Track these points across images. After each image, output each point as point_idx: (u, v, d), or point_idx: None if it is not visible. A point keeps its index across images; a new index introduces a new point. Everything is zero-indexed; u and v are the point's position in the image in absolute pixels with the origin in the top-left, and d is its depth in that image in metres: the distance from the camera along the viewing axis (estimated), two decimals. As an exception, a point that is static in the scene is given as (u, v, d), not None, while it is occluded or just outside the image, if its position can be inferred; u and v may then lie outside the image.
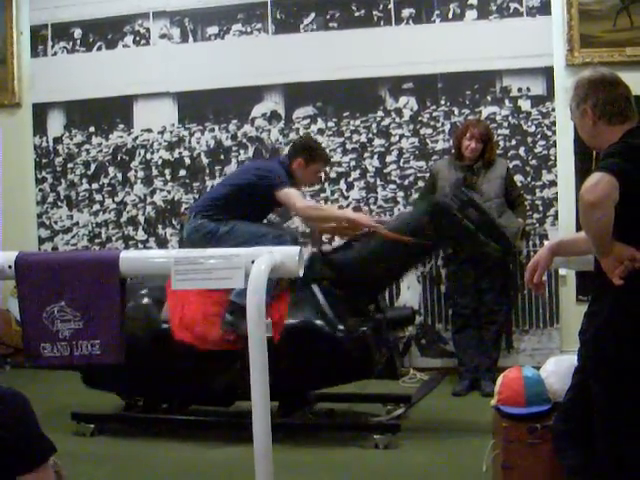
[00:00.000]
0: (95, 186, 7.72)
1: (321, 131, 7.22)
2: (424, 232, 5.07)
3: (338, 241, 5.86)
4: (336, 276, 5.17)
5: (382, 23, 7.10)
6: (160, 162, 7.57)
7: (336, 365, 5.12)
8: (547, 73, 6.80)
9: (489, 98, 6.93)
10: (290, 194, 5.21)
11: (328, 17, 7.20)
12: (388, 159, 7.11)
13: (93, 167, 7.73)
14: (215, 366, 5.12)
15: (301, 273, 2.79)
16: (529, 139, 6.85)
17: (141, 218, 7.62)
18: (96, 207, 7.72)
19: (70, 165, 7.77)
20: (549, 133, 6.80)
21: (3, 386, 2.35)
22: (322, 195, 7.14)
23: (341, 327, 5.06)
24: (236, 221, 5.25)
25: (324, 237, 5.81)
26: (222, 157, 7.43)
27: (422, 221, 5.11)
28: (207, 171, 7.47)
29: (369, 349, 5.09)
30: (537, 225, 6.81)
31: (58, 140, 7.80)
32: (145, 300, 5.31)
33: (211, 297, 5.10)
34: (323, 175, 6.59)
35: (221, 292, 5.03)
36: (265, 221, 5.65)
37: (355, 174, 7.16)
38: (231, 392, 5.22)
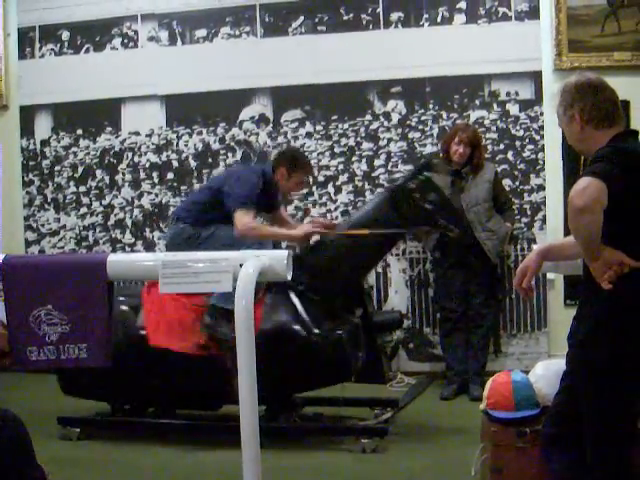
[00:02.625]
0: (82, 189, 7.70)
1: (309, 134, 7.21)
2: (388, 219, 5.10)
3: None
4: (309, 280, 5.17)
5: (371, 27, 7.10)
6: (148, 165, 7.55)
7: (312, 369, 5.13)
8: (535, 77, 6.81)
9: (477, 102, 6.94)
10: (239, 216, 5.19)
11: (317, 20, 7.20)
12: (376, 163, 7.11)
13: (80, 170, 7.70)
14: (194, 371, 5.12)
15: (289, 277, 2.78)
16: (517, 143, 6.87)
17: (129, 221, 7.60)
18: (83, 210, 7.70)
19: (57, 168, 7.74)
20: (537, 137, 6.82)
21: (0, 408, 2.32)
22: (310, 199, 7.14)
23: (316, 331, 5.07)
24: (217, 225, 5.28)
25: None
26: (210, 160, 7.42)
27: (384, 209, 5.14)
28: (195, 174, 7.45)
29: (345, 352, 5.09)
30: (525, 229, 6.82)
31: (45, 142, 7.77)
32: (123, 307, 5.30)
33: (186, 303, 5.12)
34: (311, 179, 6.59)
35: (198, 297, 5.04)
36: None
37: (343, 178, 7.16)
38: (216, 396, 5.22)
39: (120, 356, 5.04)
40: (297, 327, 5.09)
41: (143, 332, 5.19)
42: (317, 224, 5.36)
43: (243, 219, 5.18)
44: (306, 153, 6.97)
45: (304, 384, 5.28)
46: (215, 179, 5.95)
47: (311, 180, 6.90)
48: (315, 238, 5.39)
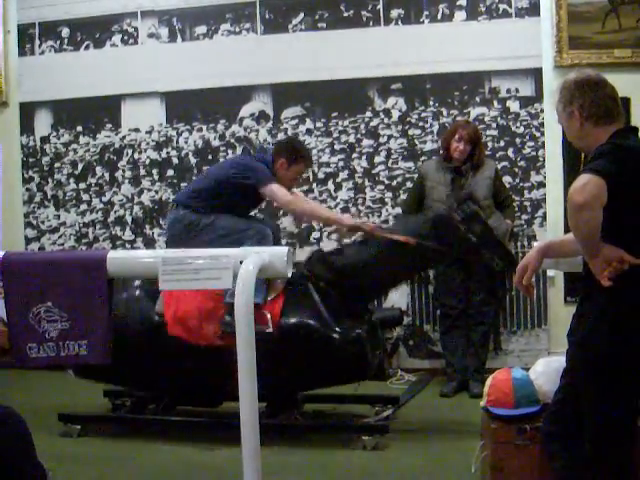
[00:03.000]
0: (82, 186, 7.69)
1: (309, 131, 7.21)
2: (425, 240, 5.04)
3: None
4: (335, 278, 5.15)
5: (371, 24, 7.09)
6: (148, 162, 7.55)
7: (331, 366, 5.11)
8: (536, 74, 6.80)
9: (478, 99, 6.93)
10: (277, 191, 5.22)
11: (317, 17, 7.19)
12: (376, 160, 7.10)
13: (80, 167, 7.70)
14: (207, 362, 5.10)
15: (290, 274, 2.78)
16: (518, 140, 6.86)
17: (128, 218, 7.59)
18: (83, 207, 7.69)
19: (57, 165, 7.74)
20: (538, 134, 6.81)
21: (1, 406, 2.32)
22: (310, 196, 7.12)
23: (337, 328, 5.05)
24: (218, 214, 5.26)
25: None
26: (210, 157, 7.41)
27: (424, 230, 5.08)
28: (195, 171, 7.44)
29: (364, 351, 5.07)
30: (525, 226, 6.82)
31: (45, 139, 7.77)
32: (138, 292, 5.30)
33: (206, 292, 5.09)
34: (311, 175, 6.60)
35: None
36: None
37: (343, 175, 7.15)
38: (219, 392, 5.22)
39: (135, 341, 5.11)
40: (317, 324, 5.07)
41: (159, 319, 5.18)
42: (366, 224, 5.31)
43: (282, 192, 5.21)
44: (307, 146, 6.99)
45: (320, 381, 5.26)
46: (217, 168, 5.93)
47: (311, 177, 6.91)
48: (358, 234, 5.35)
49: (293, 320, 5.07)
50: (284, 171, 5.37)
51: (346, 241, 5.52)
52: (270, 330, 4.91)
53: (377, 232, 5.20)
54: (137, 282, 5.36)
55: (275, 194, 5.25)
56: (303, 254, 6.24)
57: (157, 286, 5.15)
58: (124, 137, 7.60)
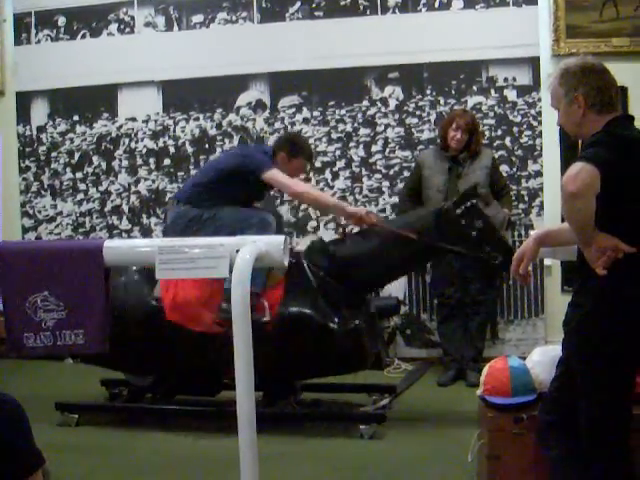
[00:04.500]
0: (79, 175, 7.69)
1: (306, 120, 7.20)
2: (427, 235, 5.05)
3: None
4: (335, 269, 5.15)
5: (368, 12, 7.08)
6: (144, 151, 7.54)
7: (329, 357, 5.11)
8: (533, 63, 6.81)
9: (475, 88, 6.93)
10: (278, 175, 5.19)
11: (314, 6, 7.17)
12: (373, 149, 7.10)
13: (77, 156, 7.69)
14: (204, 349, 5.10)
15: (286, 263, 2.78)
16: (515, 129, 6.86)
17: (125, 207, 7.59)
18: (80, 196, 7.69)
19: (54, 154, 7.73)
20: (535, 123, 6.81)
21: None
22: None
23: (335, 319, 5.05)
24: (219, 207, 5.23)
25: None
26: (207, 146, 7.41)
27: (425, 224, 5.09)
28: (192, 160, 7.44)
29: (362, 342, 5.08)
30: (523, 215, 6.82)
31: (42, 129, 7.76)
32: (137, 276, 5.28)
33: (205, 279, 5.08)
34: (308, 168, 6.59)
35: None
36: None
37: (340, 164, 7.15)
38: (216, 380, 5.23)
39: (132, 325, 5.10)
40: (315, 314, 5.06)
41: (156, 303, 5.17)
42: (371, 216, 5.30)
43: (283, 177, 5.18)
44: (308, 140, 6.98)
45: (317, 371, 5.27)
46: (216, 161, 5.91)
47: (308, 166, 6.89)
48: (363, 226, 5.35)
49: (292, 309, 5.07)
50: (284, 165, 5.33)
51: (341, 231, 5.49)
52: (267, 319, 4.90)
53: (379, 225, 5.20)
54: (135, 267, 5.34)
55: (276, 178, 5.19)
56: (300, 243, 6.23)
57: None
58: (121, 126, 7.58)
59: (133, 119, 7.55)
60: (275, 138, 6.44)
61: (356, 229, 5.39)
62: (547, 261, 6.62)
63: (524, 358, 3.91)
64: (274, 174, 5.19)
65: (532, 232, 3.51)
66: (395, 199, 6.92)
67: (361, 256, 5.15)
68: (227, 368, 4.91)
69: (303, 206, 6.94)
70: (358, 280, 5.16)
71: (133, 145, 7.56)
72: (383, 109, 7.09)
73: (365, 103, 7.12)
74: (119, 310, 4.90)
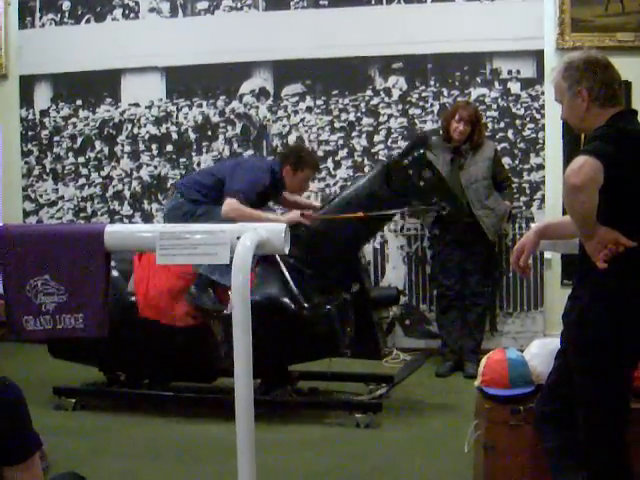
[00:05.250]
0: (81, 160, 7.68)
1: (309, 109, 7.19)
2: (381, 195, 5.15)
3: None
4: (302, 253, 5.17)
5: (373, 2, 7.06)
6: (147, 137, 7.53)
7: (300, 342, 5.16)
8: (537, 56, 6.79)
9: (479, 80, 6.92)
10: (227, 202, 5.22)
11: (319, -6, 7.16)
12: (376, 138, 7.10)
13: (79, 141, 7.69)
14: (185, 342, 5.14)
15: (287, 250, 2.78)
16: (518, 122, 6.85)
17: (127, 193, 7.59)
18: (82, 181, 7.69)
19: (56, 138, 7.73)
20: (538, 116, 6.81)
21: None
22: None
23: (306, 304, 5.08)
24: (214, 206, 5.28)
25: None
26: (209, 133, 7.40)
27: (377, 183, 5.18)
28: (194, 147, 7.44)
29: (333, 327, 5.10)
30: (524, 208, 6.82)
31: (45, 113, 7.75)
32: (113, 273, 5.29)
33: (177, 271, 5.14)
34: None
35: (187, 266, 5.07)
36: None
37: (342, 153, 7.15)
38: (209, 368, 5.26)
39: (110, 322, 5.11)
40: (286, 300, 5.12)
41: (132, 299, 5.24)
42: (308, 216, 5.36)
43: (228, 206, 5.21)
44: (306, 127, 6.98)
45: (291, 357, 5.32)
46: (221, 167, 5.92)
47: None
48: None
49: (263, 297, 5.08)
50: (290, 178, 5.42)
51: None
52: (228, 312, 4.94)
53: (321, 218, 5.31)
54: (112, 262, 5.35)
55: (224, 204, 5.23)
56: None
57: (129, 266, 5.26)
58: (124, 112, 7.58)
59: (136, 104, 7.54)
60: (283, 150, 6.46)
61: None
62: (547, 254, 6.63)
63: (522, 350, 3.91)
64: (226, 201, 5.21)
65: (533, 225, 3.51)
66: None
67: (322, 235, 5.26)
68: (217, 356, 4.97)
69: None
70: (325, 260, 5.22)
71: (136, 131, 7.55)
72: (386, 99, 7.08)
73: (368, 93, 7.11)
74: None
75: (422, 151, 5.14)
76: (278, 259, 5.18)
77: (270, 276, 5.17)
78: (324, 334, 5.12)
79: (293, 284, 5.13)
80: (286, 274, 5.16)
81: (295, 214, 5.36)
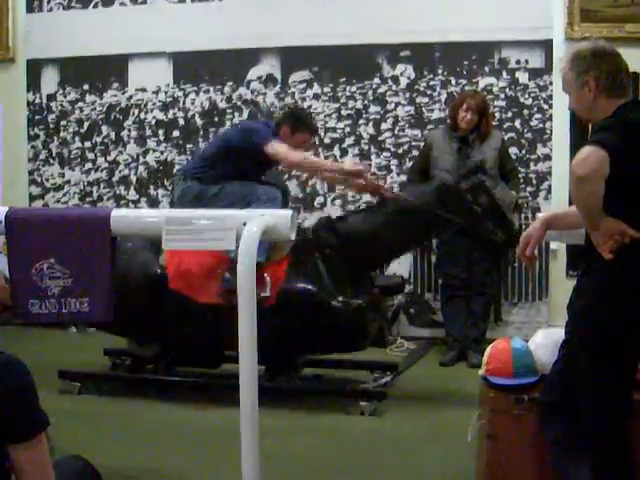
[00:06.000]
0: (88, 144, 7.69)
1: (317, 96, 7.18)
2: (434, 210, 5.04)
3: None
4: (340, 245, 5.15)
5: (382, -11, 7.05)
6: (154, 122, 7.53)
7: (330, 334, 5.12)
8: (546, 46, 6.77)
9: (487, 69, 6.90)
10: (277, 147, 5.14)
11: (328, -19, 7.15)
12: (383, 126, 7.09)
13: (86, 125, 7.69)
14: (207, 320, 5.10)
15: (293, 236, 2.78)
16: (525, 112, 6.84)
17: (133, 178, 7.60)
18: (88, 165, 7.69)
19: (63, 122, 7.73)
20: (546, 106, 6.79)
21: (5, 353, 2.33)
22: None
23: (339, 297, 5.06)
24: (225, 182, 5.20)
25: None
26: (216, 119, 7.40)
27: (429, 198, 5.08)
28: (201, 132, 7.44)
29: (365, 321, 5.09)
30: (530, 198, 6.81)
31: (52, 97, 7.75)
32: (143, 242, 5.27)
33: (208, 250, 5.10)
34: (317, 140, 6.56)
35: None
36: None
37: (349, 140, 7.14)
38: (218, 352, 5.25)
39: (136, 291, 5.11)
40: (319, 291, 5.08)
41: (161, 271, 5.18)
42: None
43: (282, 148, 5.12)
44: (313, 115, 6.95)
45: (318, 348, 5.31)
46: (221, 135, 5.89)
47: (317, 142, 6.87)
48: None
49: (295, 286, 5.07)
50: (287, 139, 5.27)
51: (350, 207, 5.50)
52: (267, 294, 4.90)
53: (383, 191, 5.22)
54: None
55: (275, 150, 5.13)
56: (308, 219, 6.24)
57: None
58: (131, 97, 7.58)
59: (143, 90, 7.54)
60: (281, 112, 6.43)
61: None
62: (553, 245, 6.62)
63: (527, 341, 3.91)
64: (274, 146, 5.13)
65: (539, 215, 3.51)
66: (403, 177, 6.92)
67: (366, 232, 5.15)
68: (229, 340, 4.95)
69: (311, 182, 6.88)
70: (363, 257, 5.16)
71: (142, 116, 7.55)
72: (394, 87, 7.07)
73: (376, 81, 7.10)
74: (124, 275, 4.90)
75: (481, 177, 5.11)
76: (314, 249, 5.15)
77: (303, 265, 5.15)
78: (355, 328, 5.09)
79: (326, 276, 5.11)
80: (320, 264, 5.13)
81: (361, 165, 5.26)
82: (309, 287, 5.10)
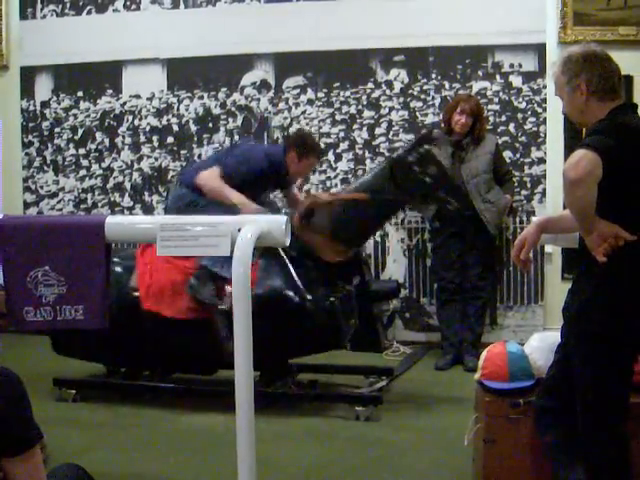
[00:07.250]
0: (82, 151, 7.68)
1: (311, 101, 7.19)
2: (385, 191, 5.09)
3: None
4: (304, 246, 5.16)
5: (375, -6, 7.06)
6: (148, 129, 7.53)
7: (304, 335, 5.14)
8: (539, 50, 6.77)
9: (480, 73, 6.91)
10: (207, 171, 5.28)
11: (321, -14, 7.15)
12: (377, 131, 7.09)
13: (80, 132, 7.68)
14: (187, 334, 5.14)
15: (287, 242, 2.78)
16: (519, 115, 6.84)
17: (127, 184, 7.59)
18: (82, 172, 7.68)
19: (57, 129, 7.72)
20: (539, 110, 6.80)
21: None
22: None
23: (309, 297, 5.07)
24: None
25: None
26: (210, 125, 7.40)
27: (382, 179, 5.13)
28: (195, 139, 7.43)
29: (337, 320, 5.10)
30: (524, 202, 6.82)
31: (46, 104, 7.74)
32: (117, 268, 5.29)
33: (179, 265, 5.13)
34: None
35: (191, 260, 5.06)
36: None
37: (344, 145, 7.14)
38: (209, 361, 5.25)
39: (112, 318, 5.11)
40: (290, 292, 5.09)
41: (136, 294, 5.22)
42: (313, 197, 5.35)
43: (209, 174, 5.25)
44: (307, 120, 6.97)
45: (295, 350, 5.30)
46: (223, 152, 5.92)
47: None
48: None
49: (266, 290, 5.08)
50: (295, 164, 5.39)
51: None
52: (224, 307, 4.94)
53: (326, 200, 5.27)
54: (116, 258, 5.36)
55: (203, 172, 5.30)
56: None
57: (133, 262, 5.26)
58: (125, 103, 7.57)
59: (137, 96, 7.54)
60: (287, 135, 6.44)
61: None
62: (548, 248, 6.63)
63: (522, 344, 3.91)
64: (206, 171, 5.29)
65: (534, 218, 3.51)
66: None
67: (326, 228, 5.19)
68: (217, 349, 4.95)
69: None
70: (330, 249, 5.21)
71: (137, 122, 7.55)
72: (388, 92, 7.07)
73: (370, 85, 7.10)
74: None
75: (427, 147, 5.12)
76: (281, 252, 5.16)
77: (273, 269, 5.16)
78: (327, 327, 5.10)
79: (296, 277, 5.12)
80: (289, 267, 5.15)
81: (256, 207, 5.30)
82: (280, 290, 5.11)
